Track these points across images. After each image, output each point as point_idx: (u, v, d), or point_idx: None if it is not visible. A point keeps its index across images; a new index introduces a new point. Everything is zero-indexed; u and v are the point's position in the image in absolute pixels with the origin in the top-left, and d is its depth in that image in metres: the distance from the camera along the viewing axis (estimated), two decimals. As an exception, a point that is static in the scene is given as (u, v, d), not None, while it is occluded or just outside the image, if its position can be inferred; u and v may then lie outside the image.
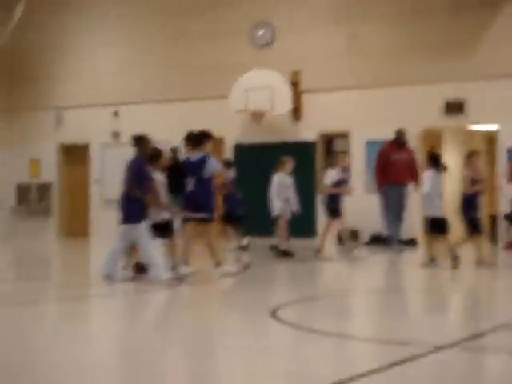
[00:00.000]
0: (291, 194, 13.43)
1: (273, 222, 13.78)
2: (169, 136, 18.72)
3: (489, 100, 15.98)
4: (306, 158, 17.52)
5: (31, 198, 21.03)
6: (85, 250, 17.97)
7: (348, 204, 14.14)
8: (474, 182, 11.28)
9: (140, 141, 10.12)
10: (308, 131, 17.80)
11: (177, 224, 10.90)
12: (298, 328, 6.61)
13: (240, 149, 18.32)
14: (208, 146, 10.48)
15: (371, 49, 17.06)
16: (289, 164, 13.56)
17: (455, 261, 11.13)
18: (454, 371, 5.04)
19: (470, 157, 11.50)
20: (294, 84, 17.63)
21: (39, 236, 20.20)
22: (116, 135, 19.88)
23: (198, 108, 18.68)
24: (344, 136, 17.64)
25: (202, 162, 10.26)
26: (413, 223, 15.89)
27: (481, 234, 11.48)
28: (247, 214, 15.20)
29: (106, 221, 19.83)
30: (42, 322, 7.38)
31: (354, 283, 10.67)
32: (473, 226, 11.20)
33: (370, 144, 17.03)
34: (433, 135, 17.24)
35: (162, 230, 10.37)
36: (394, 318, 7.28)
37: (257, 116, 17.60)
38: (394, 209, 14.57)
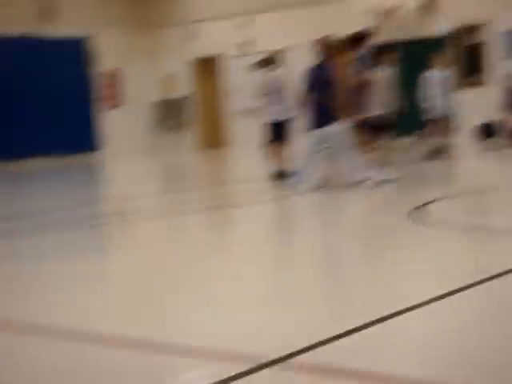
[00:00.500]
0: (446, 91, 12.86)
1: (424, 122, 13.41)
2: (302, 40, 18.54)
3: None
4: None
5: (170, 113, 21.52)
6: (223, 160, 18.32)
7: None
8: None
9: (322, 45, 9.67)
10: (442, 24, 17.11)
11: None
12: (438, 226, 6.54)
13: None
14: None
15: None
16: (442, 59, 12.99)
17: None
18: None
19: None
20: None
21: (180, 149, 20.74)
22: (248, 44, 19.86)
23: (321, 12, 18.39)
24: (479, 28, 16.87)
25: None
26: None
27: None
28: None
29: (242, 130, 20.10)
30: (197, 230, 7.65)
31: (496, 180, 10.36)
32: None
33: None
34: None
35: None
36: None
37: (389, 13, 17.09)
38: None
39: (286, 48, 17.92)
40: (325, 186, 9.48)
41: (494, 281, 4.34)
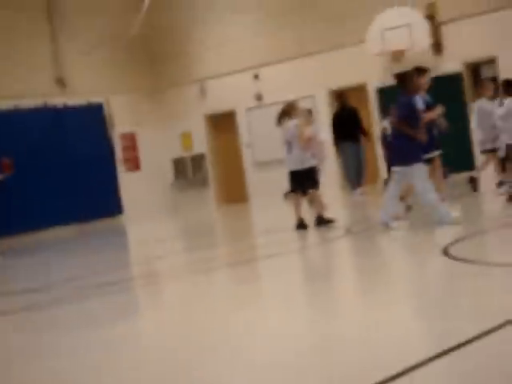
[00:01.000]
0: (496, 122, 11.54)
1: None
2: (310, 90, 18.73)
3: None
4: (453, 91, 17.01)
5: (188, 171, 21.67)
6: (245, 214, 18.34)
7: None
8: None
9: (403, 78, 9.38)
10: (451, 63, 17.24)
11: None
12: (472, 263, 6.49)
13: (383, 92, 18.01)
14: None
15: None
16: (487, 87, 12.43)
17: None
18: None
19: None
20: (431, 17, 17.10)
21: (200, 206, 20.82)
22: (259, 97, 20.07)
23: (335, 58, 18.51)
24: (490, 62, 16.96)
25: None
26: None
27: None
28: None
29: (260, 184, 20.18)
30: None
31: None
32: None
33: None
34: None
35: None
36: None
37: (396, 55, 17.23)
38: None
39: (302, 97, 18.07)
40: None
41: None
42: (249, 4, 19.89)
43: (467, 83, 17.28)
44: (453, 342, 3.94)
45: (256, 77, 19.97)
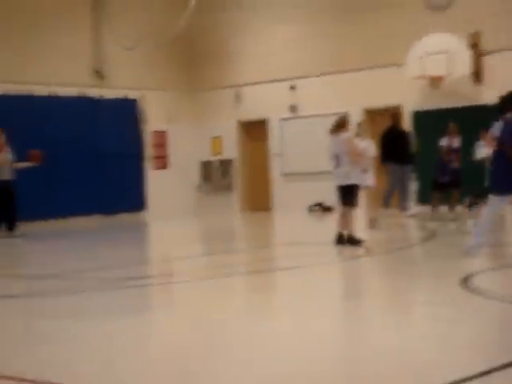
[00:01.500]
0: None
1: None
2: (345, 107, 18.71)
3: None
4: (489, 123, 16.88)
5: (214, 175, 21.72)
6: (268, 223, 18.35)
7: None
8: None
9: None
10: (490, 94, 17.12)
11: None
12: (490, 297, 6.43)
13: (419, 116, 17.94)
14: None
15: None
16: None
17: None
18: None
19: None
20: (474, 46, 17.01)
21: (223, 211, 20.85)
22: (293, 109, 20.08)
23: (373, 77, 18.48)
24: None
25: None
26: None
27: None
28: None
29: (286, 195, 20.17)
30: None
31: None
32: None
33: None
34: None
35: None
36: None
37: (435, 81, 17.16)
38: None
39: (336, 113, 18.06)
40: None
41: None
42: (294, 15, 19.92)
43: (504, 115, 17.14)
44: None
45: (292, 88, 19.98)
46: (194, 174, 21.86)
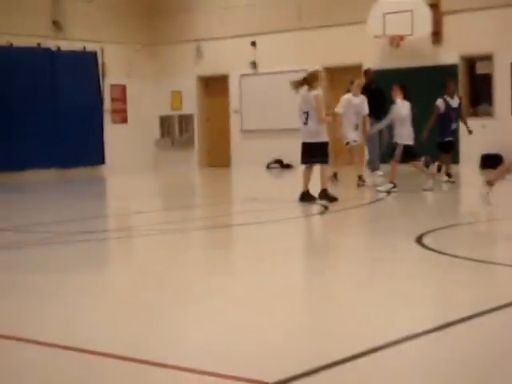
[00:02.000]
0: None
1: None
2: (305, 64, 18.70)
3: None
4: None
5: (174, 130, 21.63)
6: (227, 179, 18.40)
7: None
8: None
9: None
10: (449, 54, 17.26)
11: None
12: (442, 254, 6.58)
13: (379, 75, 18.00)
14: None
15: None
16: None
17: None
18: None
19: None
20: (434, 5, 17.08)
21: (182, 167, 20.83)
22: (254, 65, 20.01)
23: (333, 35, 18.48)
24: (487, 58, 17.02)
25: None
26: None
27: None
28: None
29: (245, 151, 20.20)
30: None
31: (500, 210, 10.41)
32: None
33: (515, 65, 16.37)
34: None
35: None
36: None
37: (395, 40, 17.22)
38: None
39: (296, 70, 18.04)
40: None
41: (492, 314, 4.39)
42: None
43: (462, 77, 17.32)
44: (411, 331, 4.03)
45: (253, 44, 19.89)
46: (154, 129, 21.75)
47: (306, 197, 10.66)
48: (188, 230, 8.77)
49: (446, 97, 13.39)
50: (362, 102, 13.29)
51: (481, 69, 17.38)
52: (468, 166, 16.68)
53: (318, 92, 10.65)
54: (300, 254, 7.33)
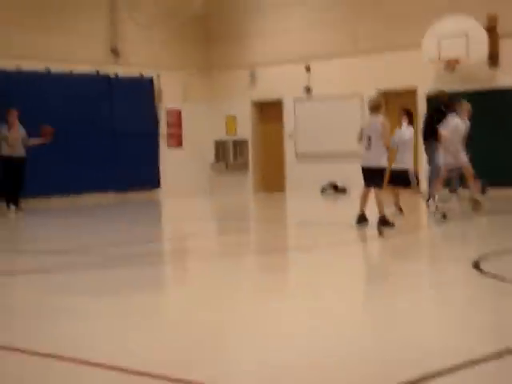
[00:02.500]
0: None
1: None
2: (359, 89, 18.69)
3: None
4: (506, 106, 16.85)
5: (228, 154, 21.77)
6: (281, 203, 18.41)
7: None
8: None
9: None
10: (506, 78, 17.06)
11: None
12: (501, 279, 6.48)
13: (434, 99, 17.89)
14: None
15: None
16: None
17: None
18: None
19: None
20: (491, 29, 16.92)
21: (237, 191, 20.92)
22: (308, 90, 20.07)
23: (388, 59, 18.42)
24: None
25: None
26: None
27: None
28: None
29: (300, 175, 20.21)
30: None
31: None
32: None
33: None
34: None
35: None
36: None
37: (451, 64, 17.10)
38: None
39: (351, 94, 18.16)
40: None
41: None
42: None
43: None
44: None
45: (307, 69, 19.95)
46: (208, 153, 21.92)
47: (361, 219, 10.60)
48: (243, 254, 8.80)
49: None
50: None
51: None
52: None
53: (384, 118, 10.75)
54: (356, 278, 7.29)
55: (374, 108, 10.69)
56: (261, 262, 8.49)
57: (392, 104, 18.86)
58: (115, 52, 19.58)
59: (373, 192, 10.63)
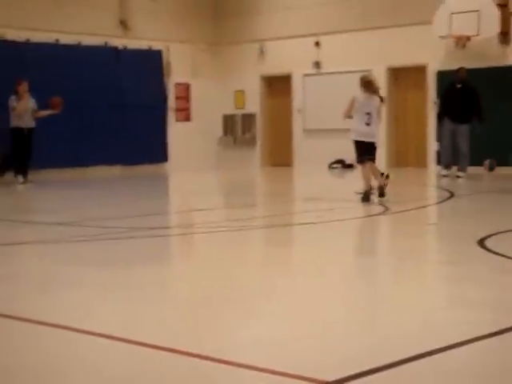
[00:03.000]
0: None
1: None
2: (369, 65, 18.59)
3: None
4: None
5: (237, 129, 21.73)
6: (289, 178, 18.41)
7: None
8: None
9: None
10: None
11: None
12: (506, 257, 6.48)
13: (444, 76, 17.79)
14: None
15: None
16: None
17: None
18: None
19: None
20: (502, 5, 16.77)
21: (245, 165, 20.92)
22: (317, 65, 19.98)
23: (398, 35, 18.30)
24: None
25: None
26: None
27: None
28: None
29: (307, 151, 20.18)
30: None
31: None
32: None
33: None
34: None
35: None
36: None
37: (461, 41, 16.98)
38: None
39: (360, 70, 18.00)
40: None
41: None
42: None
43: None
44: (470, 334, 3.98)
45: (317, 44, 19.85)
46: (217, 128, 21.89)
47: (369, 195, 10.69)
48: (249, 228, 8.82)
49: None
50: None
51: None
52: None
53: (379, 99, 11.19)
54: (361, 254, 7.30)
55: (375, 89, 11.06)
56: (265, 236, 8.50)
57: (402, 80, 18.78)
58: (124, 24, 19.50)
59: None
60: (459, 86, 15.68)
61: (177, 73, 20.63)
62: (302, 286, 5.49)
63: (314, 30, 19.80)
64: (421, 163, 18.33)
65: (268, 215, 10.36)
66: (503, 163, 16.44)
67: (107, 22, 19.17)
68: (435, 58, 17.77)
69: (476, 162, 16.11)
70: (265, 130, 21.44)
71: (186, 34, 20.86)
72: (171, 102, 20.61)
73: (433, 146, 17.68)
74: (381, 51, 18.56)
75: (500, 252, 6.60)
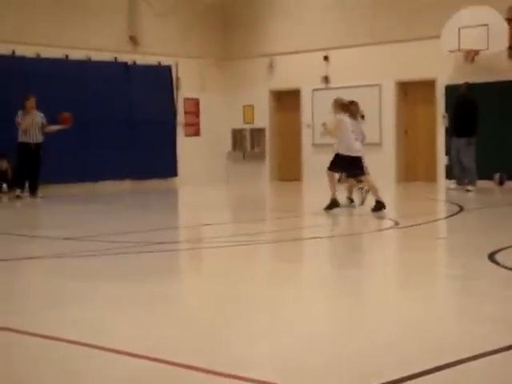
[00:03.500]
0: None
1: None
2: (378, 79, 18.61)
3: None
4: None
5: (245, 143, 21.75)
6: (297, 193, 18.39)
7: None
8: None
9: None
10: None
11: None
12: (517, 272, 6.44)
13: (452, 90, 17.79)
14: None
15: None
16: None
17: None
18: None
19: None
20: (511, 20, 16.76)
21: (254, 180, 20.91)
22: (326, 80, 20.00)
23: (407, 50, 18.31)
24: None
25: None
26: None
27: None
28: None
29: (316, 165, 20.16)
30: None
31: None
32: None
33: None
34: None
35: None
36: None
37: (470, 55, 16.98)
38: None
39: (369, 85, 18.05)
40: None
41: None
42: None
43: (539, 92, 16.95)
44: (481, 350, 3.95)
45: (326, 58, 19.88)
46: (226, 142, 21.91)
47: (334, 204, 11.20)
48: (257, 243, 8.80)
49: None
50: None
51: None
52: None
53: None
54: (370, 268, 7.27)
55: (361, 114, 12.04)
56: (274, 251, 8.48)
57: (411, 94, 18.79)
58: (134, 40, 19.60)
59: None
60: (461, 100, 15.87)
61: (186, 88, 20.69)
62: (311, 300, 5.46)
63: (323, 44, 19.84)
64: (430, 177, 18.30)
65: (277, 230, 10.34)
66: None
67: (117, 37, 19.28)
68: (444, 72, 17.77)
69: (486, 175, 16.09)
70: (274, 144, 21.45)
71: (195, 49, 20.94)
72: (180, 117, 20.66)
73: (442, 160, 17.67)
74: (390, 66, 18.58)
75: (510, 266, 6.56)
